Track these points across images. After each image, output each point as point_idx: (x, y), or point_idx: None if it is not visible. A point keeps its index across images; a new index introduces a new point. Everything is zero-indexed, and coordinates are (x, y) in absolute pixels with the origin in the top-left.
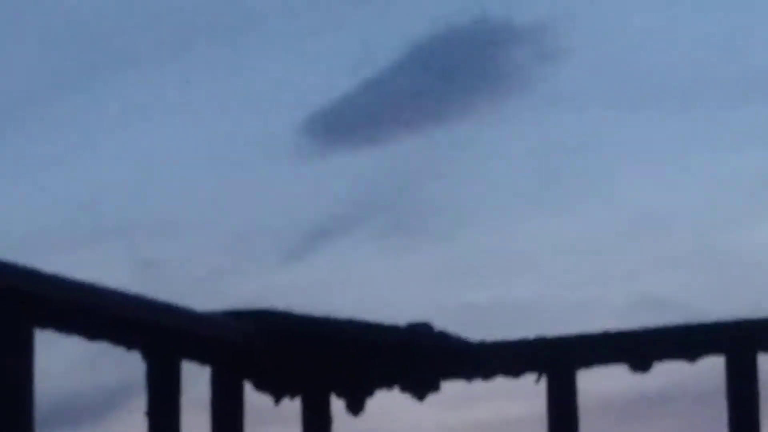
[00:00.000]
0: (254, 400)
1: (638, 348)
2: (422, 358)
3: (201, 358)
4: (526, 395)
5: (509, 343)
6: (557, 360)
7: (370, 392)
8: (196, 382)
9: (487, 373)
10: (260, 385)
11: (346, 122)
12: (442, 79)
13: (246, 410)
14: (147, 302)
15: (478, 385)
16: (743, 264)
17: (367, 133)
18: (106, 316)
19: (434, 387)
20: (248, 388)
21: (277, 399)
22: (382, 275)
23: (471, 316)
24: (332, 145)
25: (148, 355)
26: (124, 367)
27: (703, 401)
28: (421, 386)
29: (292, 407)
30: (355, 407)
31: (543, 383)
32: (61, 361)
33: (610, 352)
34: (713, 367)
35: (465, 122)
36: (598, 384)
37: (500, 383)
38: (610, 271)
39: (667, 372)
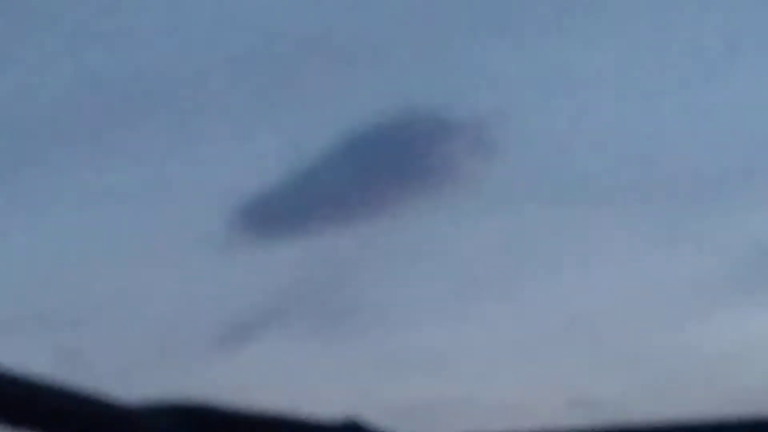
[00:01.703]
0: None
1: None
2: None
3: None
4: None
5: None
6: None
7: None
8: None
9: None
10: None
11: (276, 214)
12: (375, 171)
13: None
14: (69, 392)
15: None
16: (675, 365)
17: (296, 226)
18: (26, 406)
19: None
20: None
21: None
22: (311, 369)
23: (401, 413)
24: (261, 237)
25: None
26: None
27: None
28: None
29: None
30: None
31: None
32: None
33: None
34: None
35: (396, 216)
36: None
37: None
38: (543, 371)
39: None
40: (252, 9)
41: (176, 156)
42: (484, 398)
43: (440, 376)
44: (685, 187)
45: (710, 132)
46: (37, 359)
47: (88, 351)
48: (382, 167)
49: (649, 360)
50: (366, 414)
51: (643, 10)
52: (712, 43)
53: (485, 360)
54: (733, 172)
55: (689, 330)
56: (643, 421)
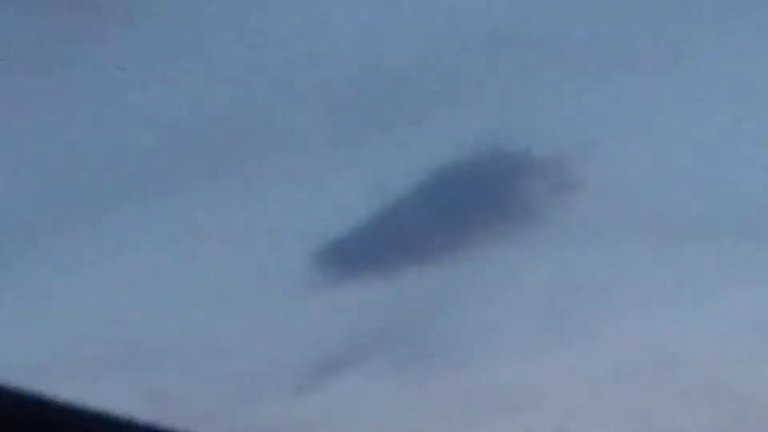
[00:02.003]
0: None
1: None
2: None
3: None
4: None
5: None
6: None
7: None
8: None
9: None
10: None
11: (360, 253)
12: (457, 211)
13: None
14: (158, 431)
15: None
16: (756, 401)
17: (380, 264)
18: None
19: None
20: None
21: None
22: (396, 407)
23: None
24: (345, 276)
25: None
26: None
27: None
28: None
29: None
30: None
31: None
32: None
33: None
34: None
35: (479, 254)
36: None
37: None
38: (626, 406)
39: None
40: (337, 46)
41: (261, 196)
42: None
43: (524, 413)
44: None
45: None
46: (126, 399)
47: (175, 390)
48: (465, 205)
49: (732, 395)
50: None
51: (728, 42)
52: None
53: (569, 396)
54: None
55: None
56: None
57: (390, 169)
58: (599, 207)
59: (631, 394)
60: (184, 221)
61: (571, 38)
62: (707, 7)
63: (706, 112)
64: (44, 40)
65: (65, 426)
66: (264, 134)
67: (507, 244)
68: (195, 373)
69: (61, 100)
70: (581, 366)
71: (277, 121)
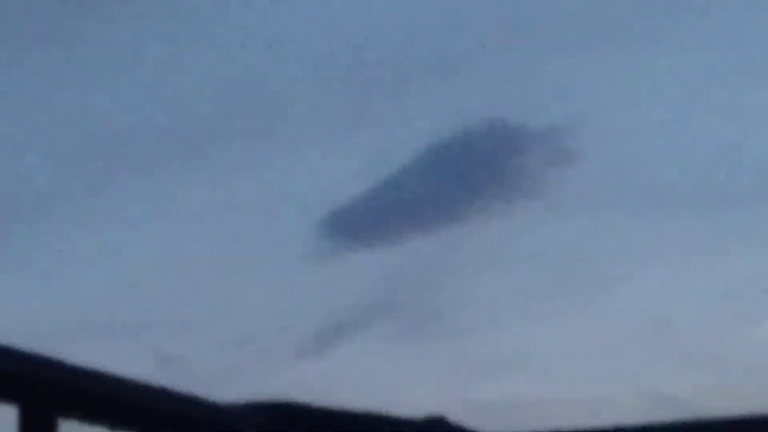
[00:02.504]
0: None
1: None
2: None
3: None
4: None
5: None
6: None
7: None
8: None
9: None
10: None
11: (361, 222)
12: (457, 181)
13: None
14: (168, 393)
15: None
16: (751, 362)
17: (381, 233)
18: (130, 407)
19: None
20: None
21: None
22: (395, 372)
23: (484, 411)
24: (347, 245)
25: None
26: None
27: None
28: None
29: None
30: None
31: None
32: None
33: None
34: None
35: (478, 224)
36: None
37: None
38: (619, 369)
39: None
40: (339, 20)
41: (265, 167)
42: (564, 396)
43: (521, 376)
44: (763, 191)
45: None
46: (138, 363)
47: (186, 354)
48: (463, 176)
49: (726, 358)
50: (450, 412)
51: (723, 16)
52: None
53: (565, 360)
54: None
55: (765, 327)
56: (718, 416)
57: (391, 140)
58: (595, 178)
59: (627, 357)
60: (193, 194)
61: (567, 12)
62: None
63: (700, 85)
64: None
65: (79, 386)
66: (268, 108)
67: (505, 214)
68: (203, 339)
69: (60, 76)
70: (577, 331)
71: (280, 94)
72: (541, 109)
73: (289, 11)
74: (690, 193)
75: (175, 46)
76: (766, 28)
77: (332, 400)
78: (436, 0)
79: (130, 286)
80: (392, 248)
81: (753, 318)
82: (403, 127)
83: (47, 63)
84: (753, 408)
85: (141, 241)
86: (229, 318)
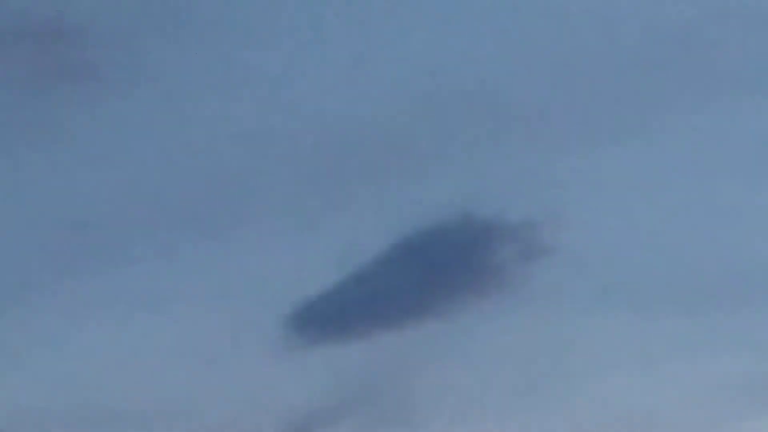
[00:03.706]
0: None
1: None
2: None
3: None
4: None
5: None
6: None
7: None
8: None
9: None
10: None
11: (331, 316)
12: (428, 274)
13: None
14: None
15: None
16: None
17: (351, 327)
18: None
19: None
20: None
21: None
22: None
23: None
24: (316, 339)
25: None
26: None
27: None
28: None
29: None
30: None
31: None
32: None
33: None
34: None
35: (449, 318)
36: None
37: None
38: None
39: None
40: (309, 113)
41: (231, 258)
42: None
43: None
44: (732, 291)
45: (764, 238)
46: None
47: None
48: (435, 269)
49: None
50: None
51: (696, 108)
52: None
53: None
54: None
55: (737, 429)
56: None
57: (362, 233)
58: (569, 274)
59: None
60: (156, 285)
61: (544, 105)
62: (680, 77)
63: (676, 181)
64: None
65: None
66: (235, 196)
67: (477, 309)
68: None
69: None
70: (547, 428)
71: (249, 187)
72: (516, 203)
73: (256, 98)
74: (665, 292)
75: (137, 129)
76: (742, 124)
77: None
78: (409, 89)
79: (87, 377)
80: (363, 342)
81: (729, 421)
82: (375, 218)
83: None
84: None
85: (99, 333)
86: (193, 413)
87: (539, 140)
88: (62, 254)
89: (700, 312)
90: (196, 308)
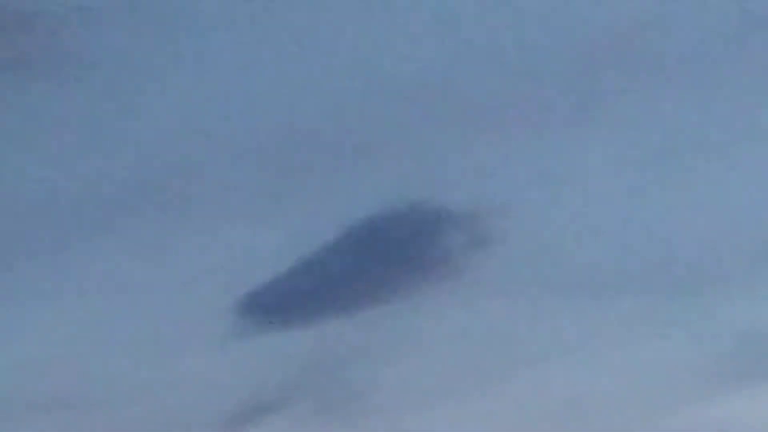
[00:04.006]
0: None
1: None
2: None
3: None
4: None
5: None
6: None
7: None
8: None
9: None
10: None
11: (279, 304)
12: (376, 262)
13: None
14: None
15: None
16: None
17: (298, 315)
18: None
19: None
20: None
21: None
22: None
23: None
24: (264, 325)
25: None
26: None
27: None
28: None
29: None
30: None
31: None
32: None
33: None
34: None
35: (397, 306)
36: None
37: None
38: None
39: None
40: (258, 101)
41: (181, 245)
42: None
43: None
44: (679, 278)
45: (708, 225)
46: None
47: None
48: (384, 258)
49: None
50: None
51: (640, 99)
52: (719, 124)
53: None
54: (729, 263)
55: (681, 415)
56: None
57: (310, 222)
58: (514, 261)
59: None
60: (105, 270)
61: (487, 93)
62: (623, 62)
63: (622, 170)
64: None
65: None
66: (185, 182)
67: (425, 296)
68: (110, 425)
69: None
70: (496, 416)
71: (198, 168)
72: (463, 191)
73: (208, 85)
74: (612, 278)
75: (90, 117)
76: (685, 114)
77: None
78: (356, 77)
79: (38, 364)
80: (310, 329)
81: (671, 405)
82: (323, 207)
83: None
84: None
85: (49, 318)
86: (137, 402)
87: (487, 130)
88: (3, 240)
89: (646, 299)
90: (144, 295)
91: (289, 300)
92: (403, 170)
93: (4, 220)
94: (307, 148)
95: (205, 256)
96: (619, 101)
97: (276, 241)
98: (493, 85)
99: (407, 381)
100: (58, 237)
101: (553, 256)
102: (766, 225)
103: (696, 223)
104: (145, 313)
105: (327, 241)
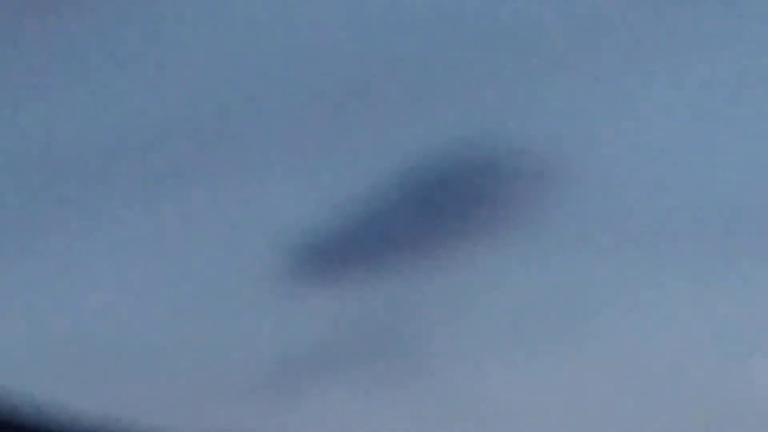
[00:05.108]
0: None
1: None
2: None
3: None
4: None
5: None
6: None
7: None
8: None
9: None
10: None
11: (328, 258)
12: (430, 213)
13: None
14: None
15: None
16: (742, 407)
17: (349, 270)
18: None
19: None
20: None
21: None
22: (368, 414)
23: None
24: (313, 283)
25: None
26: None
27: None
28: None
29: None
30: None
31: None
32: None
33: None
34: None
35: (454, 257)
36: None
37: None
38: (604, 417)
39: None
40: (311, 45)
41: (227, 193)
42: None
43: (501, 424)
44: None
45: None
46: (92, 391)
47: (144, 391)
48: (438, 208)
49: (711, 406)
50: None
51: (716, 45)
52: None
53: (547, 407)
54: None
55: (757, 367)
56: None
57: (361, 170)
58: (584, 211)
59: (611, 405)
60: (151, 222)
61: (552, 30)
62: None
63: (699, 112)
64: None
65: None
66: (231, 140)
67: (488, 248)
68: (163, 375)
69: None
70: (559, 375)
71: (241, 117)
72: (523, 139)
73: (251, 35)
74: (683, 230)
75: (144, 60)
76: None
77: None
78: (404, 20)
79: (85, 321)
80: (362, 286)
81: (739, 363)
82: (373, 153)
83: None
84: None
85: (97, 274)
86: (189, 352)
87: (547, 75)
88: (41, 191)
89: (721, 253)
90: (189, 248)
91: (339, 254)
92: (461, 113)
93: (44, 167)
94: (358, 92)
95: (251, 208)
96: (705, 38)
97: (325, 189)
98: (555, 21)
99: (466, 340)
100: (95, 183)
101: (627, 203)
102: None
103: None
104: (190, 270)
105: (379, 190)
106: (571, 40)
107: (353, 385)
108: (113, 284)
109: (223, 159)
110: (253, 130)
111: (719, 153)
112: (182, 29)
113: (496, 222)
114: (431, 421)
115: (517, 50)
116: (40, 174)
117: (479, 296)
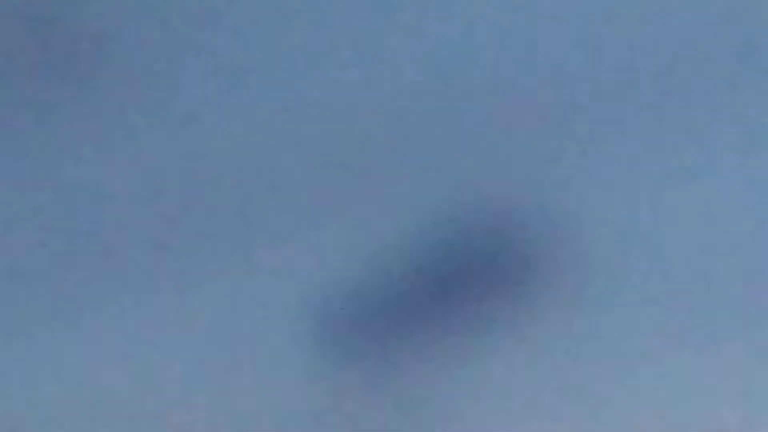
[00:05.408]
0: None
1: None
2: None
3: None
4: None
5: None
6: None
7: None
8: None
9: None
10: None
11: (348, 315)
12: (448, 274)
13: None
14: None
15: None
16: None
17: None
18: None
19: None
20: None
21: None
22: None
23: None
24: (333, 354)
25: None
26: None
27: None
28: None
29: None
30: None
31: None
32: None
33: None
34: None
35: (471, 317)
36: None
37: None
38: None
39: None
40: (313, 106)
41: (241, 256)
42: None
43: None
44: None
45: None
46: None
47: None
48: (456, 268)
49: None
50: None
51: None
52: None
53: None
54: None
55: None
56: None
57: (377, 228)
58: (598, 279)
59: None
60: (166, 293)
61: (564, 99)
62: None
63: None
64: None
65: None
66: (245, 203)
67: (501, 307)
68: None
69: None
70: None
71: (256, 186)
72: (540, 197)
73: (258, 92)
74: (704, 295)
75: (150, 129)
76: None
77: None
78: (415, 77)
79: (103, 383)
80: (376, 360)
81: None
82: (391, 211)
83: None
84: None
85: (118, 342)
86: (210, 413)
87: (567, 134)
88: (72, 264)
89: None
90: (205, 315)
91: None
92: (476, 176)
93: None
94: (377, 150)
95: (272, 263)
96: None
97: (341, 249)
98: (569, 93)
99: (486, 401)
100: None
101: (642, 273)
102: None
103: None
104: (209, 331)
105: (395, 251)
106: (584, 111)
107: None
108: (135, 354)
109: (236, 226)
110: (274, 190)
111: (733, 216)
112: (192, 92)
113: (513, 281)
114: None
115: (527, 119)
116: (57, 243)
117: (496, 354)
